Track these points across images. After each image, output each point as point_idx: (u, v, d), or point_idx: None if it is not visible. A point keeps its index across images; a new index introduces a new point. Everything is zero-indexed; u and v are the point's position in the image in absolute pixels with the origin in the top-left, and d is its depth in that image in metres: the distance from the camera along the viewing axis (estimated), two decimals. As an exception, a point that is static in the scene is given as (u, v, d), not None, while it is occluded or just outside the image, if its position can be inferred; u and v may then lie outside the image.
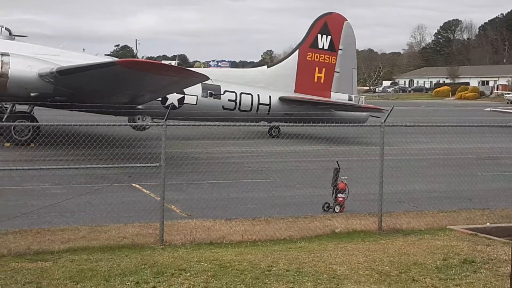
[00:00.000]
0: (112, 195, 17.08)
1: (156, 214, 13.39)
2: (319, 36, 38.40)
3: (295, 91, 37.57)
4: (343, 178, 16.36)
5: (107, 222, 14.19)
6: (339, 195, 16.19)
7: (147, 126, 30.70)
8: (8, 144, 28.22)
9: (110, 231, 13.38)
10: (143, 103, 30.24)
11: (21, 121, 28.77)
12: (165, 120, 12.91)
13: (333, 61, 38.61)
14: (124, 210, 15.44)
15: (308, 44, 38.47)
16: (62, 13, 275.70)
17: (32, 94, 28.03)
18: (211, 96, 34.07)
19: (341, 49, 38.76)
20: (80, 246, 12.14)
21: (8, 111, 30.20)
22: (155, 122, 28.12)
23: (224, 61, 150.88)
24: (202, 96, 33.66)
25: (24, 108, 30.79)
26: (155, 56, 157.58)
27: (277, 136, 35.09)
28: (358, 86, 46.47)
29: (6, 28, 32.40)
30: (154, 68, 26.20)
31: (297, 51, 38.71)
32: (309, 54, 38.33)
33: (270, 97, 36.02)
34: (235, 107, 34.82)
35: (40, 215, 14.43)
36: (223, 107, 34.42)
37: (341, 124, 30.56)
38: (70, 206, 15.46)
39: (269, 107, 35.91)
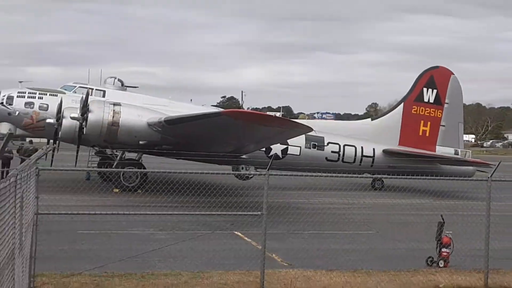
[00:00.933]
0: (215, 242, 17.28)
1: (257, 262, 13.43)
2: (425, 89, 38.07)
3: (399, 144, 37.22)
4: (448, 232, 15.99)
5: (209, 268, 14.36)
6: (443, 249, 15.82)
7: (250, 176, 31.11)
8: (117, 190, 29.12)
9: (212, 277, 13.53)
10: (247, 152, 30.66)
11: (130, 168, 29.63)
12: (268, 170, 13.04)
13: (439, 114, 38.10)
14: (225, 257, 15.60)
15: (414, 97, 38.17)
16: (172, 65, 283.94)
17: (140, 142, 28.92)
18: (315, 148, 34.18)
19: (447, 103, 38.23)
20: (182, 291, 12.32)
21: (118, 158, 31.26)
22: (258, 171, 28.38)
23: (329, 113, 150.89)
24: (305, 147, 33.84)
25: (133, 155, 31.81)
26: (260, 107, 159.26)
27: (380, 189, 34.70)
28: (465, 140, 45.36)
29: (118, 79, 33.84)
30: (259, 118, 26.58)
31: (402, 104, 38.46)
32: (414, 107, 38.00)
33: (374, 149, 35.80)
34: (338, 159, 34.76)
35: (144, 259, 14.75)
36: (326, 158, 34.43)
37: (447, 178, 29.75)
38: (173, 252, 15.73)
39: (373, 159, 35.66)
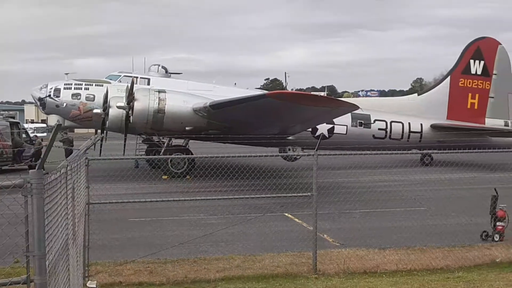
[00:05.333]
0: (265, 224, 17.24)
1: (308, 243, 13.38)
2: (472, 61, 37.45)
3: (447, 118, 36.75)
4: (502, 205, 15.68)
5: (261, 251, 14.34)
6: (498, 223, 15.52)
7: (298, 157, 31.02)
8: (166, 177, 29.30)
9: (264, 260, 13.49)
10: (293, 133, 30.56)
11: (177, 154, 29.77)
12: (316, 150, 12.91)
13: (487, 86, 37.47)
14: (277, 240, 15.55)
15: (460, 70, 37.59)
16: (215, 51, 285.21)
17: (187, 128, 29.01)
18: (361, 126, 33.92)
19: (495, 74, 37.57)
20: (235, 275, 12.33)
21: (165, 145, 31.44)
22: (305, 152, 28.28)
23: (373, 90, 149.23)
24: (352, 126, 33.60)
25: (180, 142, 31.94)
26: (304, 88, 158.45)
27: (430, 164, 34.29)
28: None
29: (162, 67, 33.98)
30: (303, 99, 26.44)
31: (448, 78, 37.92)
32: (461, 80, 37.42)
33: (421, 124, 35.40)
34: (385, 136, 34.46)
35: (196, 244, 14.79)
36: (373, 136, 34.15)
37: (497, 150, 29.19)
38: (225, 236, 15.74)
39: (421, 135, 35.27)
